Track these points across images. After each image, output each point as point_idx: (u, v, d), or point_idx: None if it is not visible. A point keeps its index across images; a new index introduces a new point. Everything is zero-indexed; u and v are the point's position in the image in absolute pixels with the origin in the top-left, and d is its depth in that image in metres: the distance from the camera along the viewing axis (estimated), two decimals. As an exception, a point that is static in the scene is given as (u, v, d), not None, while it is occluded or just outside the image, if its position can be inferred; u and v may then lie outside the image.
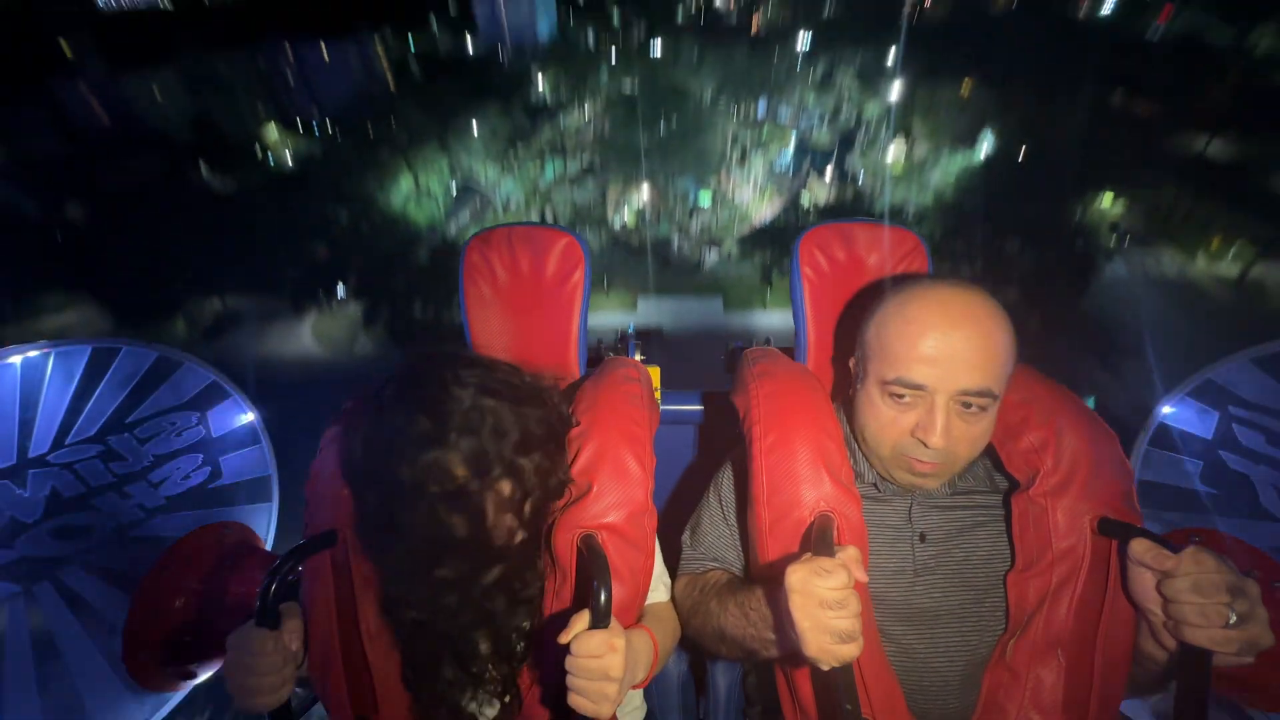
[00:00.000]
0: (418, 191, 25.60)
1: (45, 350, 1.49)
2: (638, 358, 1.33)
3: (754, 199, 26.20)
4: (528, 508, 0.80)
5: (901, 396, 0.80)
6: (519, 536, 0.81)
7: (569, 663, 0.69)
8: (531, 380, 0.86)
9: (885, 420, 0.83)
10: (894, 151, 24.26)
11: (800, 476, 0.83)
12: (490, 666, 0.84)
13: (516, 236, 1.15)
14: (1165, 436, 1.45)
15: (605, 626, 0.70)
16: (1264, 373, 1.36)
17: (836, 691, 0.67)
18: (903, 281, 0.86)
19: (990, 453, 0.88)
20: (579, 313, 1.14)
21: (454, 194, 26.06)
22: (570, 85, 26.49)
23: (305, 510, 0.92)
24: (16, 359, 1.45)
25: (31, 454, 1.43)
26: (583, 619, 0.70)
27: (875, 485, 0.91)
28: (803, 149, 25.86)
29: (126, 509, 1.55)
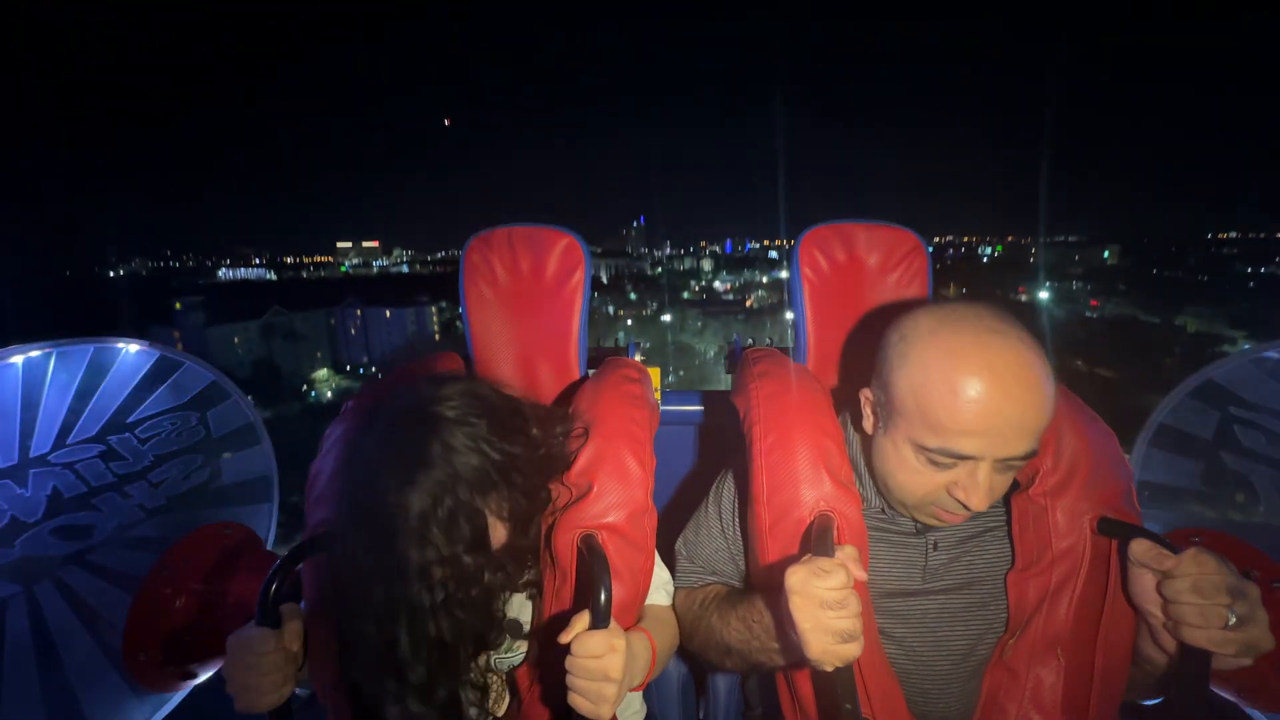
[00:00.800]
0: None
1: (47, 350, 1.49)
2: (638, 358, 1.34)
3: None
4: (497, 547, 0.77)
5: (943, 464, 0.74)
6: (483, 576, 0.77)
7: (569, 663, 0.69)
8: (526, 421, 0.84)
9: (917, 477, 0.77)
10: None
11: (800, 476, 0.83)
12: (476, 672, 0.83)
13: (517, 237, 1.15)
14: (1165, 436, 1.45)
15: (605, 627, 0.70)
16: (1264, 373, 1.36)
17: (837, 692, 0.67)
18: (935, 322, 0.75)
19: None
20: (579, 313, 1.14)
21: None
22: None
23: (305, 511, 0.92)
24: (18, 359, 1.45)
25: (33, 453, 1.43)
26: (583, 619, 0.71)
27: (883, 510, 0.90)
28: None
29: (127, 509, 1.55)
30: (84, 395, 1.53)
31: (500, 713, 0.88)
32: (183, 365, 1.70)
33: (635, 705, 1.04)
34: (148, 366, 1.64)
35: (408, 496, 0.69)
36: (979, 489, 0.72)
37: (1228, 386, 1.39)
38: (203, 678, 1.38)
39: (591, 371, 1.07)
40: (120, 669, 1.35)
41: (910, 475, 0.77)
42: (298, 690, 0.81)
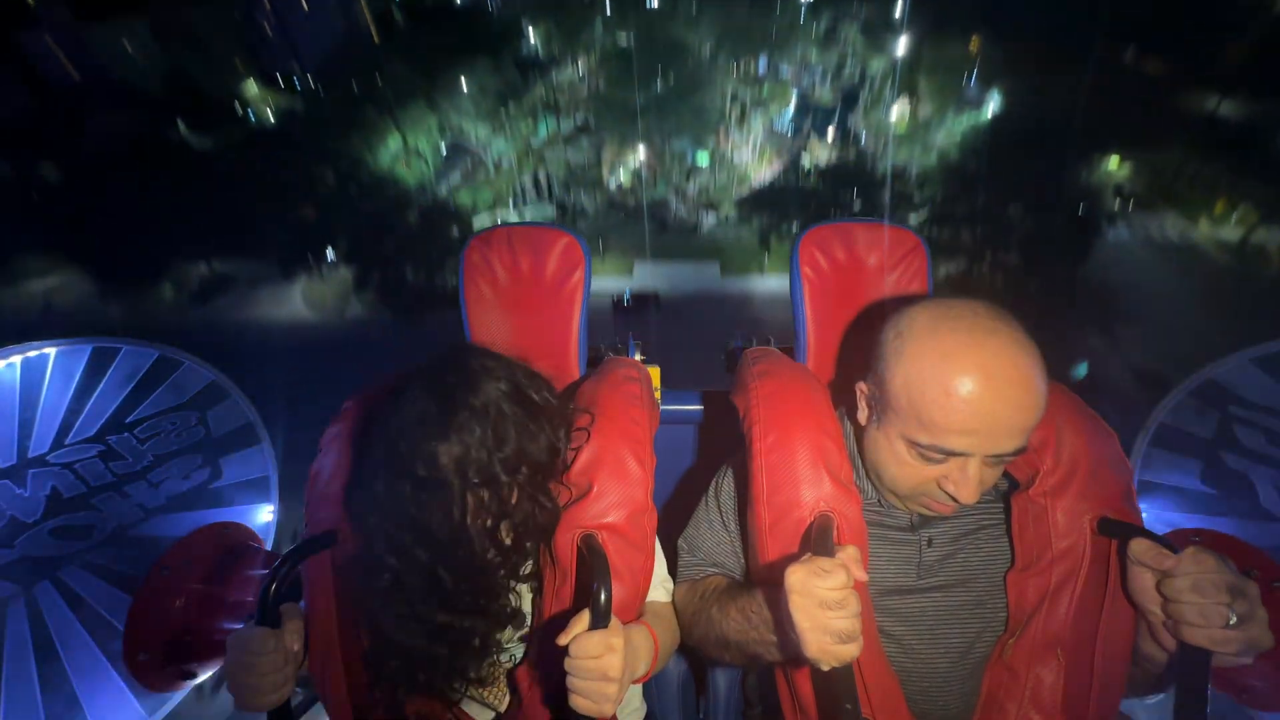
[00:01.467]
0: (406, 151, 24.89)
1: (45, 350, 1.49)
2: (638, 358, 1.33)
3: (753, 160, 25.63)
4: (504, 527, 0.79)
5: (934, 459, 0.75)
6: (489, 552, 0.79)
7: (568, 663, 0.69)
8: (552, 401, 0.86)
9: (908, 470, 0.79)
10: (898, 110, 23.67)
11: (800, 476, 0.83)
12: (477, 668, 0.83)
13: (516, 236, 1.15)
14: (1165, 436, 1.45)
15: (605, 626, 0.70)
16: (1264, 373, 1.36)
17: (836, 691, 0.67)
18: (930, 319, 0.76)
19: None
20: (579, 313, 1.14)
21: (444, 153, 25.44)
22: (563, 38, 25.36)
23: (305, 510, 0.92)
24: (17, 359, 1.45)
25: (32, 454, 1.43)
26: (583, 619, 0.71)
27: (879, 500, 0.91)
28: (804, 108, 25.11)
29: (126, 509, 1.55)
30: (83, 395, 1.53)
31: (501, 711, 0.88)
32: (182, 365, 1.70)
33: (635, 703, 1.04)
34: (147, 366, 1.64)
35: (450, 448, 0.72)
36: (969, 483, 0.74)
37: (1228, 386, 1.39)
38: (203, 678, 1.38)
39: (591, 371, 1.07)
40: (120, 669, 1.35)
41: (901, 468, 0.79)
42: (298, 690, 0.81)
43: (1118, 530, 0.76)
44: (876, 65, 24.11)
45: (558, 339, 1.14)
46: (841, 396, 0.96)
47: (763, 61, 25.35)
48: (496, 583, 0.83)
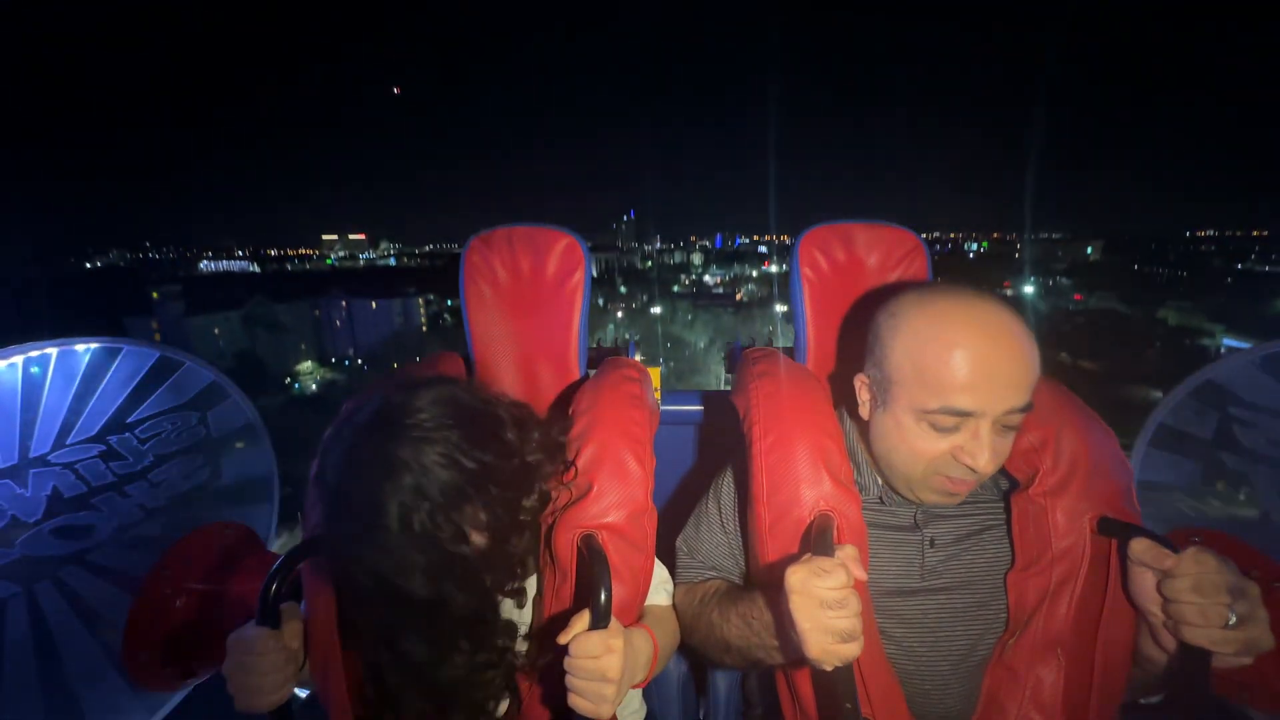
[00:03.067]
0: None
1: (47, 350, 1.49)
2: (638, 358, 1.34)
3: None
4: (475, 556, 0.74)
5: (945, 426, 0.75)
6: (459, 585, 0.74)
7: (568, 663, 0.69)
8: (504, 428, 0.80)
9: (922, 447, 0.78)
10: None
11: (800, 476, 0.83)
12: (474, 670, 0.83)
13: (517, 237, 1.15)
14: (1165, 436, 1.45)
15: (605, 627, 0.70)
16: (1264, 373, 1.36)
17: (837, 691, 0.67)
18: (920, 295, 0.80)
19: None
20: (579, 313, 1.14)
21: None
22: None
23: (305, 511, 0.92)
24: (18, 359, 1.45)
25: (33, 453, 1.43)
26: (582, 619, 0.71)
27: (880, 498, 0.91)
28: None
29: (127, 509, 1.55)
30: (84, 395, 1.53)
31: (500, 713, 0.88)
32: (183, 365, 1.70)
33: (635, 704, 1.04)
34: (148, 366, 1.64)
35: (377, 507, 0.67)
36: (983, 449, 0.74)
37: (1228, 386, 1.39)
38: (203, 678, 1.38)
39: (591, 371, 1.07)
40: (120, 669, 1.35)
41: (914, 444, 0.78)
42: (298, 690, 0.81)
43: (1118, 530, 0.76)
44: None
45: (558, 339, 1.14)
46: (842, 397, 0.96)
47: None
48: (480, 602, 0.79)
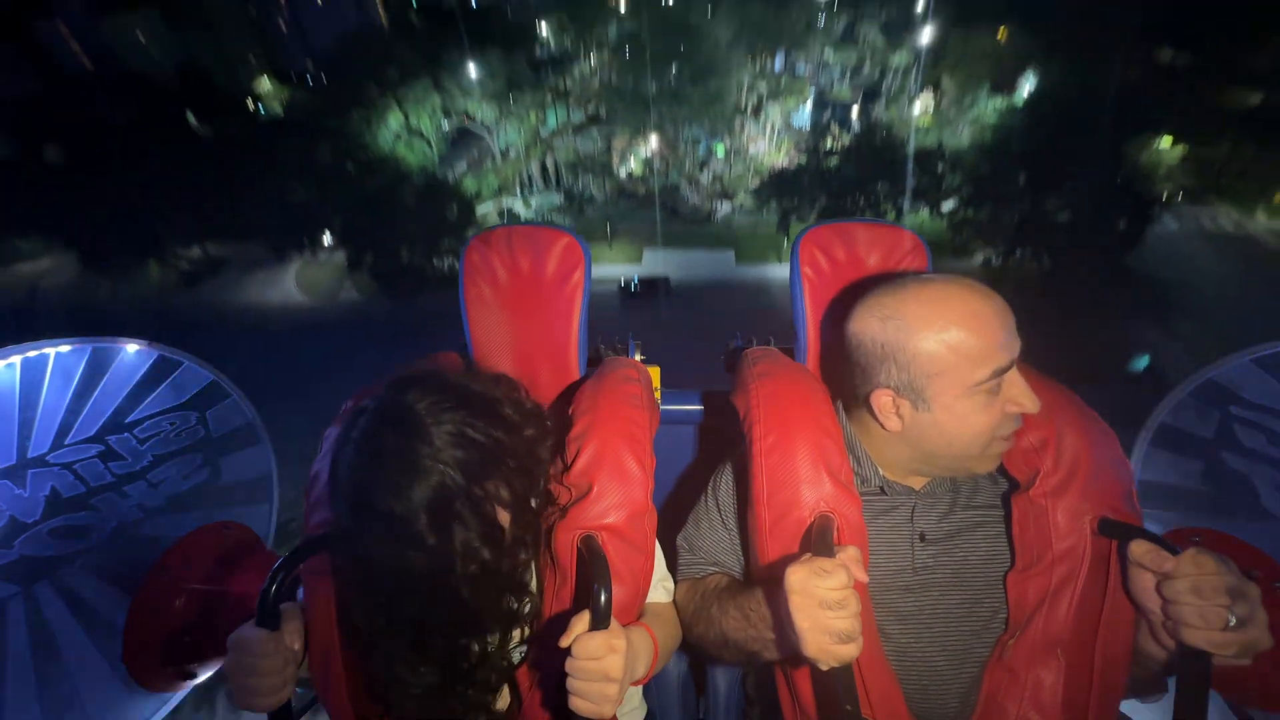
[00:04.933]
0: (408, 130, 24.20)
1: (45, 350, 1.49)
2: (638, 358, 1.33)
3: (770, 150, 25.02)
4: (480, 555, 0.75)
5: (992, 389, 0.79)
6: (501, 564, 0.77)
7: (569, 665, 0.69)
8: (501, 403, 0.82)
9: (983, 420, 0.80)
10: (922, 104, 22.99)
11: (800, 477, 0.83)
12: (478, 671, 0.83)
13: (517, 236, 1.15)
14: (1165, 436, 1.45)
15: (605, 628, 0.70)
16: (1264, 372, 1.36)
17: (836, 691, 0.67)
18: (897, 292, 0.82)
19: None
20: (579, 313, 1.14)
21: (445, 133, 24.79)
22: (576, 32, 24.89)
23: (305, 511, 0.92)
24: (16, 359, 1.45)
25: (31, 454, 1.43)
26: (583, 620, 0.70)
27: (880, 488, 0.91)
28: (822, 103, 24.48)
29: (126, 509, 1.55)
30: (82, 395, 1.53)
31: (500, 712, 0.88)
32: (181, 365, 1.69)
33: (635, 701, 1.04)
34: (146, 366, 1.64)
35: (410, 498, 0.69)
36: (1028, 390, 0.80)
37: (1228, 386, 1.39)
38: (202, 678, 1.38)
39: (591, 371, 1.07)
40: (120, 669, 1.35)
41: (974, 423, 0.80)
42: (298, 690, 0.81)
43: (1118, 531, 0.76)
44: (898, 60, 23.29)
45: (558, 339, 1.14)
46: (840, 396, 0.96)
47: (779, 60, 24.91)
48: (511, 582, 0.82)
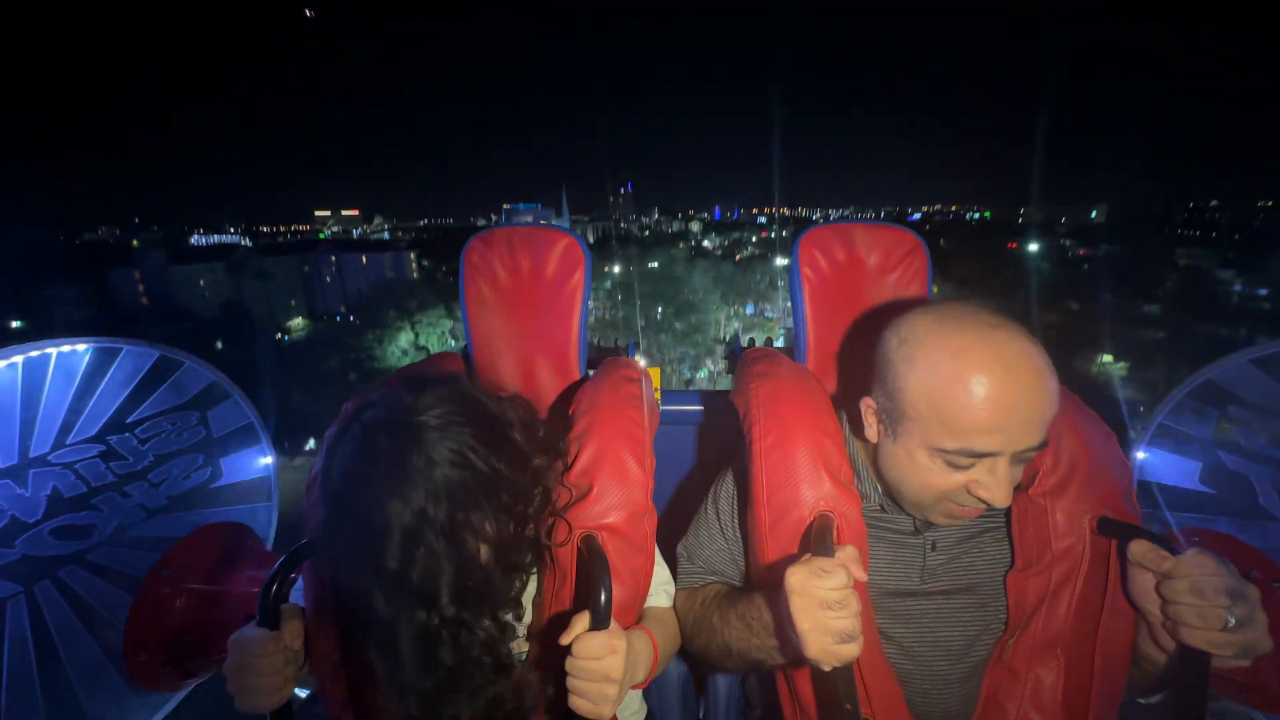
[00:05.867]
0: (415, 348, 26.69)
1: (46, 350, 1.49)
2: (638, 358, 1.33)
3: None
4: (437, 597, 0.71)
5: (962, 465, 0.73)
6: (470, 595, 0.73)
7: (569, 664, 0.69)
8: (513, 430, 0.79)
9: (934, 479, 0.76)
10: None
11: (800, 476, 0.83)
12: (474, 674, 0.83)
13: (517, 237, 1.15)
14: (1165, 436, 1.45)
15: (605, 628, 0.70)
16: (1264, 373, 1.36)
17: (836, 692, 0.67)
18: (937, 322, 0.74)
19: None
20: (579, 313, 1.14)
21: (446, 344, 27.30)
22: None
23: (306, 511, 0.92)
24: (18, 359, 1.45)
25: (33, 453, 1.43)
26: (583, 620, 0.70)
27: (882, 505, 0.90)
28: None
29: (127, 509, 1.55)
30: (84, 395, 1.53)
31: (501, 712, 0.87)
32: (183, 365, 1.70)
33: (635, 704, 1.04)
34: (148, 366, 1.64)
35: (386, 510, 0.66)
36: (1001, 485, 0.72)
37: (1227, 387, 1.39)
38: (203, 678, 1.38)
39: (591, 372, 1.07)
40: (120, 669, 1.35)
41: (926, 479, 0.76)
42: (298, 690, 0.81)
43: (1117, 531, 0.76)
44: None
45: (558, 339, 1.14)
46: (841, 398, 0.96)
47: (750, 307, 29.35)
48: (485, 613, 0.77)
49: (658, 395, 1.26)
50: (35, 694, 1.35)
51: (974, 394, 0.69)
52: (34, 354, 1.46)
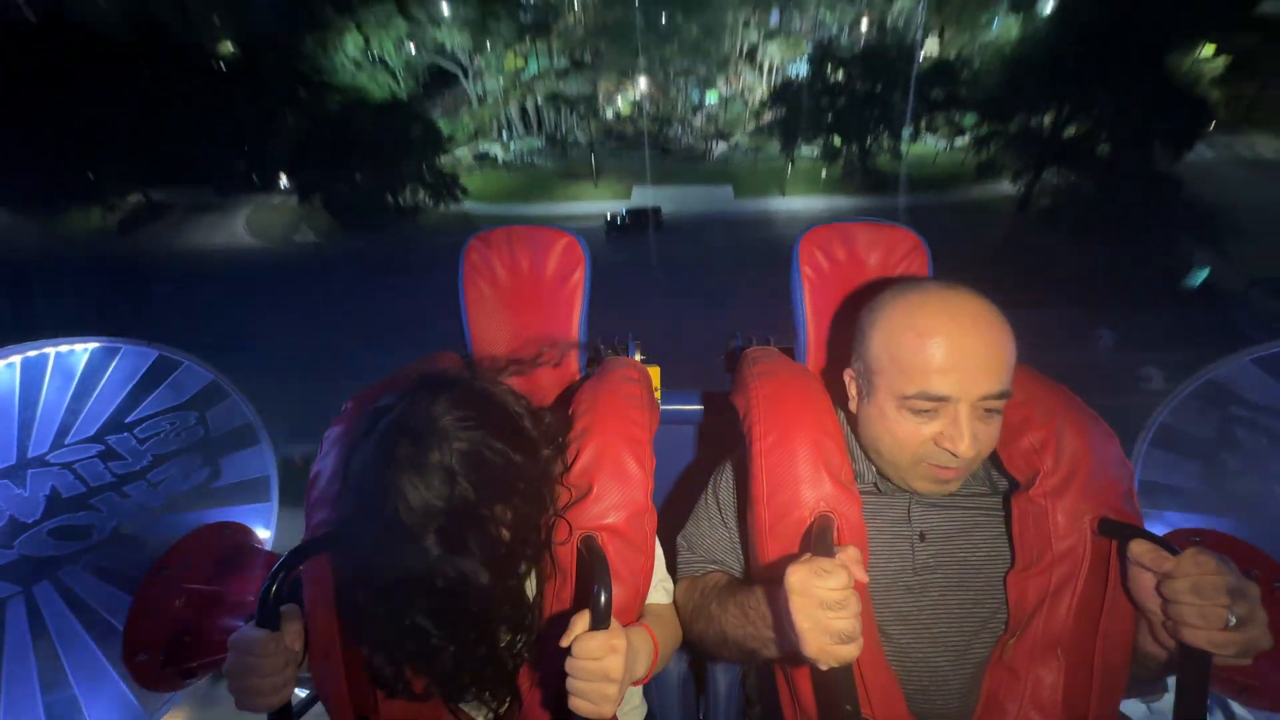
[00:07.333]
0: (370, 60, 21.86)
1: (45, 350, 1.49)
2: (638, 358, 1.33)
3: (767, 93, 23.60)
4: (479, 579, 0.74)
5: (924, 410, 0.78)
6: (497, 586, 0.77)
7: (569, 664, 0.69)
8: (524, 422, 0.82)
9: (905, 433, 0.80)
10: (928, 47, 21.63)
11: (800, 477, 0.83)
12: (478, 673, 0.83)
13: (516, 236, 1.15)
14: (1165, 436, 1.46)
15: (605, 628, 0.70)
16: (1264, 373, 1.36)
17: (836, 691, 0.67)
18: (897, 289, 0.83)
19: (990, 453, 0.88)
20: (579, 313, 1.14)
21: (416, 72, 22.55)
22: None
23: (306, 511, 0.92)
24: (16, 359, 1.45)
25: (31, 454, 1.43)
26: (583, 620, 0.70)
27: (875, 485, 0.91)
28: (820, 57, 22.51)
29: (126, 509, 1.55)
30: (82, 395, 1.53)
31: (500, 712, 0.88)
32: (182, 365, 1.70)
33: (635, 701, 1.04)
34: (146, 366, 1.64)
35: (412, 509, 0.69)
36: (963, 434, 0.76)
37: (1228, 387, 1.39)
38: (203, 678, 1.38)
39: (591, 371, 1.07)
40: (120, 669, 1.35)
41: (896, 432, 0.81)
42: (298, 691, 0.81)
43: (1118, 531, 0.76)
44: (900, 5, 21.96)
45: (558, 339, 1.14)
46: (841, 397, 0.96)
47: (774, 15, 23.92)
48: (508, 603, 0.81)
49: (658, 395, 1.26)
50: (35, 694, 1.35)
51: (924, 337, 0.76)
52: (32, 354, 1.46)
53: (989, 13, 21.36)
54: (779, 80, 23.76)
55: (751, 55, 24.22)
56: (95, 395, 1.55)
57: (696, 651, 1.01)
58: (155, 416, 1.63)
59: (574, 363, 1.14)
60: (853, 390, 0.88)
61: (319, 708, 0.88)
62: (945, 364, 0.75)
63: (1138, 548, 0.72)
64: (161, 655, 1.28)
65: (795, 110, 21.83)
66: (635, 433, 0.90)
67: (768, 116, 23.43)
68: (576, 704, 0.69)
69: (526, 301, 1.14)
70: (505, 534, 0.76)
